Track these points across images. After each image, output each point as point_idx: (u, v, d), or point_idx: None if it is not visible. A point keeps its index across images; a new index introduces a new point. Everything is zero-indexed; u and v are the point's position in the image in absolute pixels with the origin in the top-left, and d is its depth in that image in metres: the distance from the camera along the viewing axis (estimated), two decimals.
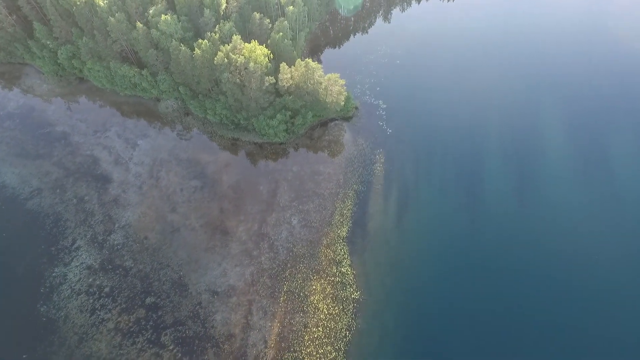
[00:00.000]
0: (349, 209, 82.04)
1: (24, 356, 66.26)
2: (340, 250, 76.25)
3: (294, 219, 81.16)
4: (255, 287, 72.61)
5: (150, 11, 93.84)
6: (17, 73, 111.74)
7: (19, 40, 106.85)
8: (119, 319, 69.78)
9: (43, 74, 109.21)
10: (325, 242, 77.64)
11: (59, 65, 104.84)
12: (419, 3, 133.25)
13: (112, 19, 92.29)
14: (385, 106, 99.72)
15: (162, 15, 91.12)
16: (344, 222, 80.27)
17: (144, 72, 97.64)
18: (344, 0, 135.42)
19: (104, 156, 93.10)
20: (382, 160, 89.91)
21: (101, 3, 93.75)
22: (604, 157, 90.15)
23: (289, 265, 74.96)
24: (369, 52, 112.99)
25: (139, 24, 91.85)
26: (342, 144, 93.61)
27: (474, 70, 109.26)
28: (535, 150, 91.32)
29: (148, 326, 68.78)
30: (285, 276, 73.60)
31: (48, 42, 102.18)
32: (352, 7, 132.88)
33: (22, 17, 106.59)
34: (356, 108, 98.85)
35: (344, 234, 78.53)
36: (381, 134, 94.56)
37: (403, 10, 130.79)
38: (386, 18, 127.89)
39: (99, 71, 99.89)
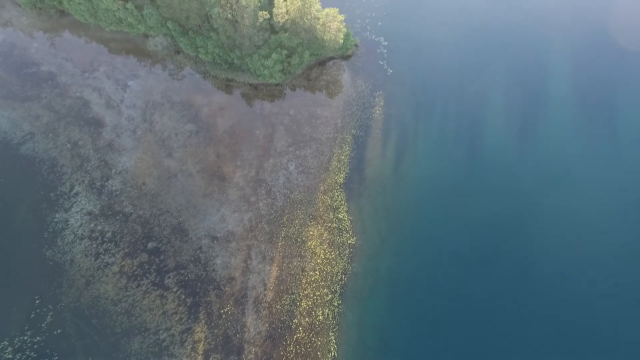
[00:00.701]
0: (346, 155, 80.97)
1: (36, 297, 69.83)
2: (338, 196, 76.64)
3: (291, 165, 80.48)
4: (254, 232, 74.16)
5: None
6: None
7: None
8: (122, 263, 72.29)
9: (20, 5, 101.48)
10: (322, 188, 77.76)
11: None
12: None
13: None
14: (386, 44, 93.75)
15: None
16: (341, 168, 79.64)
17: (129, 5, 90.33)
18: None
19: (94, 98, 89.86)
20: (382, 103, 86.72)
21: None
22: (613, 109, 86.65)
23: (286, 211, 75.85)
24: None
25: None
26: (340, 85, 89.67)
27: (485, 9, 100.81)
28: (541, 99, 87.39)
29: (151, 269, 71.44)
30: (283, 222, 74.82)
31: None
32: None
33: None
34: (356, 46, 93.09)
35: (342, 180, 78.33)
36: (382, 75, 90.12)
37: None
38: None
39: (80, 4, 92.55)
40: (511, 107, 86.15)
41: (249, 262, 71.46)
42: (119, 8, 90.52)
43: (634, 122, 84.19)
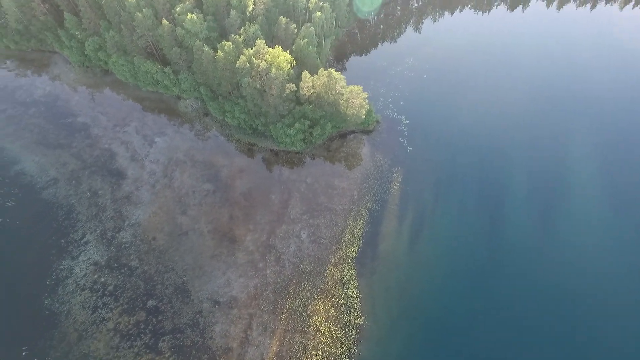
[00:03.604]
0: (360, 228, 79.40)
1: (24, 348, 66.66)
2: (348, 270, 73.79)
3: (304, 233, 79.11)
4: (258, 300, 70.99)
5: (177, 9, 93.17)
6: (46, 61, 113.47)
7: (49, 28, 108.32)
8: (119, 320, 69.38)
9: (70, 63, 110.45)
10: (333, 260, 75.32)
11: (86, 56, 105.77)
12: (452, 14, 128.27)
13: (139, 14, 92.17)
14: (407, 122, 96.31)
15: (188, 14, 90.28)
16: (354, 241, 77.70)
17: (167, 69, 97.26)
18: (360, 1, 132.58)
19: (121, 151, 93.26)
20: (400, 179, 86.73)
21: None
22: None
23: (294, 281, 73.02)
24: (396, 64, 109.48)
25: (164, 21, 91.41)
26: (359, 158, 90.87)
27: (506, 91, 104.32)
28: (562, 183, 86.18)
29: (147, 330, 68.09)
30: (289, 292, 71.68)
31: (77, 33, 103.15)
32: (366, 9, 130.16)
33: (54, 6, 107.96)
34: (377, 122, 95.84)
35: (354, 254, 75.97)
36: (401, 151, 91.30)
37: (435, 20, 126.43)
38: (417, 28, 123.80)
39: (123, 65, 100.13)
40: (533, 192, 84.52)
41: (249, 332, 67.47)
42: (157, 71, 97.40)
43: None
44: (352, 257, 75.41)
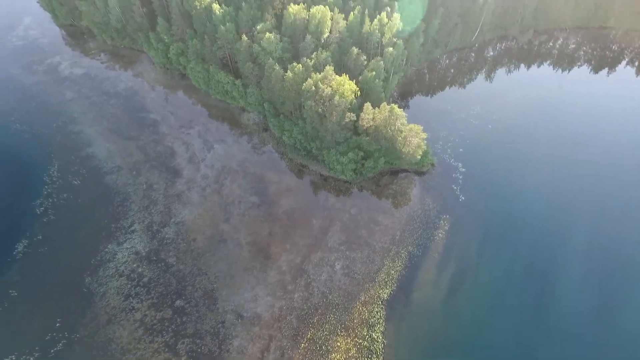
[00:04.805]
0: (397, 270, 76.57)
1: (58, 320, 70.36)
2: (377, 312, 70.98)
3: (338, 264, 77.68)
4: (280, 323, 70.07)
5: (258, 27, 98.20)
6: (134, 58, 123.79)
7: (142, 30, 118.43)
8: (146, 312, 71.41)
9: (153, 63, 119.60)
10: (363, 298, 72.94)
11: (168, 59, 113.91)
12: (528, 68, 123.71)
13: (222, 27, 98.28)
14: (464, 170, 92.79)
15: (267, 33, 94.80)
16: (388, 282, 74.93)
17: (237, 82, 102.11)
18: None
19: (181, 151, 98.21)
20: (447, 227, 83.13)
21: (217, 12, 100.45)
22: None
23: (319, 311, 71.42)
24: (461, 110, 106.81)
25: (244, 37, 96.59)
26: (408, 198, 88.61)
27: (578, 154, 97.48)
28: (628, 268, 77.87)
29: (170, 329, 69.37)
30: (313, 322, 70.10)
31: (165, 37, 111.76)
32: (408, 27, 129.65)
33: (151, 10, 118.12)
34: (432, 165, 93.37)
35: (386, 295, 73.12)
36: (452, 199, 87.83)
37: (509, 72, 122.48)
38: (489, 77, 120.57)
39: (199, 72, 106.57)
40: (591, 272, 77.00)
41: (265, 354, 66.47)
42: (228, 82, 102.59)
43: None
44: (383, 299, 72.60)
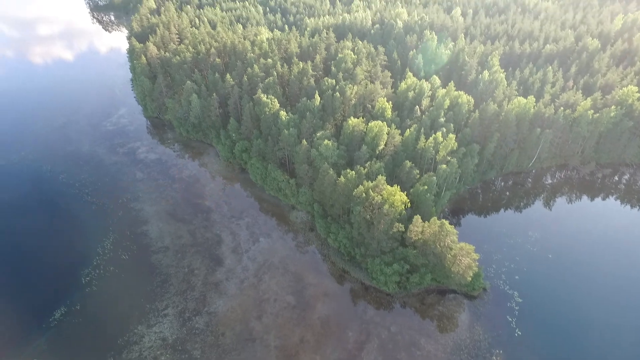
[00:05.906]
0: None
1: None
2: None
3: None
4: None
5: (318, 134, 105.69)
6: (202, 150, 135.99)
7: (215, 127, 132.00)
8: None
9: (219, 156, 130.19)
10: None
11: (233, 154, 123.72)
12: (591, 200, 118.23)
13: (286, 131, 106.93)
14: (520, 301, 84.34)
15: (325, 140, 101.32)
16: None
17: (292, 181, 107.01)
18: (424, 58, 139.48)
19: (227, 240, 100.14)
20: None
21: (283, 117, 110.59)
22: None
23: None
24: (517, 235, 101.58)
25: (304, 142, 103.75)
26: (455, 323, 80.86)
27: None
28: None
29: None
30: None
31: (233, 135, 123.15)
32: (432, 67, 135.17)
33: (225, 112, 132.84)
34: (484, 289, 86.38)
35: None
36: (507, 332, 78.67)
37: (570, 201, 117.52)
38: (547, 204, 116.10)
39: (258, 168, 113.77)
40: None
41: None
42: (283, 180, 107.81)
43: None
44: None
